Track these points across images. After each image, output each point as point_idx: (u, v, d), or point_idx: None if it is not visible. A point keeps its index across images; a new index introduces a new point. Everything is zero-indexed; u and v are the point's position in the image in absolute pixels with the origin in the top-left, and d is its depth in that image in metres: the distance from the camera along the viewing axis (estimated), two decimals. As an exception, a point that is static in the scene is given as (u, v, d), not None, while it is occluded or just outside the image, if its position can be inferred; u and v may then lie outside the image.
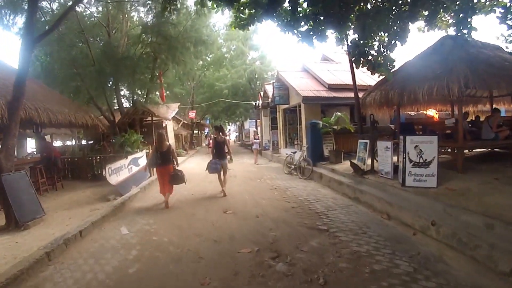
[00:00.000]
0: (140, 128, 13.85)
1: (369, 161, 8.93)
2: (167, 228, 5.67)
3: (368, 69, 8.25)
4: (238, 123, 44.32)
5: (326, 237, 4.99)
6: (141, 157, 9.93)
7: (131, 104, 13.85)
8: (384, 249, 4.35)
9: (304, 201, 7.47)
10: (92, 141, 15.68)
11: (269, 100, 17.56)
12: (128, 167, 8.60)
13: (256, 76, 26.54)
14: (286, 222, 5.88)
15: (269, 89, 18.85)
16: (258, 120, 25.09)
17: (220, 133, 8.71)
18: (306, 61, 16.81)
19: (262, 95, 21.10)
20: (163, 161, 7.21)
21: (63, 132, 13.08)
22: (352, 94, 13.01)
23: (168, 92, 29.83)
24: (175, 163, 7.48)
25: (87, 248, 4.78)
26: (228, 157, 8.72)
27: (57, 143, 20.27)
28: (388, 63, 7.39)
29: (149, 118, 14.72)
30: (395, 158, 7.84)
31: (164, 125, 16.36)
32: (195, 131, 32.64)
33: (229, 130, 67.55)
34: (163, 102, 14.70)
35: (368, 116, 9.79)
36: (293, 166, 11.65)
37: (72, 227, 5.37)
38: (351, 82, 14.26)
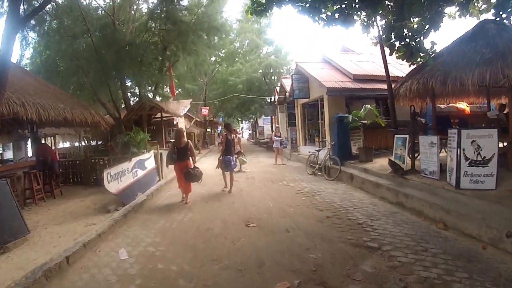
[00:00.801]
0: (148, 126, 12.80)
1: (409, 159, 7.75)
2: (177, 249, 4.52)
3: (402, 56, 7.59)
4: (252, 120, 43.11)
5: (379, 258, 3.91)
6: (148, 159, 8.84)
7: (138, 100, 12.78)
8: (458, 272, 3.45)
9: (339, 208, 6.30)
10: (100, 142, 14.75)
11: (287, 94, 16.30)
12: (133, 171, 7.50)
13: (271, 71, 25.12)
14: (324, 237, 4.73)
15: (287, 83, 17.60)
16: (274, 117, 23.83)
17: (229, 131, 8.94)
18: (326, 52, 15.45)
19: (278, 90, 19.86)
20: (180, 157, 7.23)
21: (66, 132, 12.12)
22: (379, 86, 11.83)
23: (179, 90, 28.90)
24: (192, 160, 7.43)
25: (73, 282, 3.67)
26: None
27: (65, 145, 19.58)
28: (429, 48, 6.94)
29: (158, 115, 13.65)
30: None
31: (175, 122, 15.25)
32: (208, 129, 31.50)
33: (242, 128, 66.58)
34: (174, 96, 13.58)
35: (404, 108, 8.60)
36: (317, 165, 10.39)
37: (59, 251, 4.27)
38: (377, 73, 13.08)
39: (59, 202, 7.58)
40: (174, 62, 11.91)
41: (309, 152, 11.31)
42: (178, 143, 7.29)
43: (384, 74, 12.88)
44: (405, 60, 9.27)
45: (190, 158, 7.39)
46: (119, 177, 6.66)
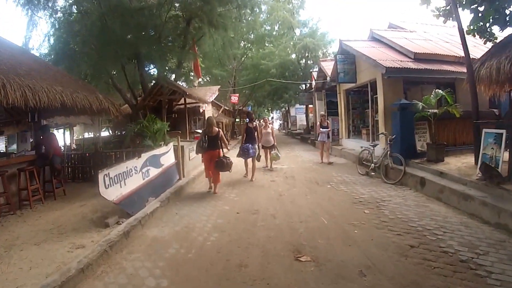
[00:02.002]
0: (169, 114, 11.23)
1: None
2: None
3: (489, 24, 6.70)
4: (283, 109, 40.99)
5: None
6: (166, 154, 7.20)
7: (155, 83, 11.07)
8: None
9: (422, 231, 4.45)
10: (122, 133, 13.45)
11: (328, 79, 14.21)
12: (143, 170, 5.87)
13: (307, 55, 22.73)
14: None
15: (326, 66, 15.51)
16: (311, 106, 21.71)
17: (250, 119, 9.28)
18: (375, 28, 13.16)
19: (315, 76, 17.76)
20: (210, 145, 7.01)
21: (81, 121, 10.81)
22: (444, 67, 9.61)
23: (207, 77, 27.35)
24: (223, 149, 7.31)
25: None
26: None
27: (85, 136, 18.64)
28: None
29: (182, 102, 12.02)
30: None
31: (201, 110, 13.55)
32: (237, 119, 29.81)
33: (272, 118, 64.60)
34: (199, 78, 11.84)
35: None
36: (372, 164, 8.37)
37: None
38: (441, 52, 10.76)
39: (57, 206, 6.15)
40: (198, 38, 10.15)
41: (361, 147, 9.29)
42: (209, 132, 7.05)
43: (449, 53, 10.73)
44: (488, 31, 7.49)
45: (221, 148, 7.24)
46: (122, 179, 5.03)
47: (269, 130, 10.03)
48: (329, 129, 11.00)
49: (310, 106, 22.52)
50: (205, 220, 5.30)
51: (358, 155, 9.31)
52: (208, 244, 4.28)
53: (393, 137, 8.13)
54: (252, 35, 25.05)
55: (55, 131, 20.45)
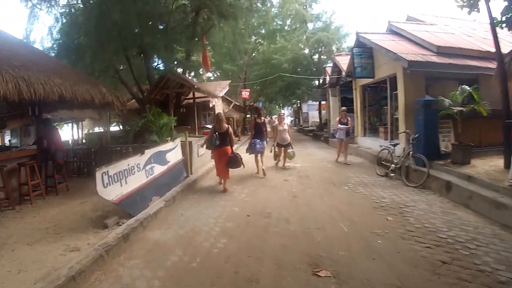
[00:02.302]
0: (177, 108, 10.82)
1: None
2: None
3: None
4: (294, 106, 40.33)
5: None
6: (172, 150, 6.80)
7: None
8: None
9: (452, 244, 3.96)
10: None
11: (343, 74, 13.63)
12: (146, 167, 5.48)
13: (321, 49, 21.96)
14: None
15: (341, 61, 14.91)
16: (324, 102, 21.09)
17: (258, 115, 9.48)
18: (393, 21, 12.50)
19: (329, 71, 17.18)
20: (221, 142, 6.86)
21: (87, 116, 10.52)
22: (469, 62, 8.99)
23: (218, 73, 26.90)
24: (232, 145, 7.12)
25: None
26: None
27: (95, 131, 18.40)
28: None
29: (191, 96, 11.56)
30: None
31: (211, 105, 13.11)
32: (247, 115, 29.36)
33: (284, 114, 63.95)
34: (208, 70, 11.37)
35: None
36: (393, 165, 7.83)
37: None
38: (465, 46, 10.08)
39: (57, 202, 5.86)
40: (207, 30, 9.64)
41: (380, 146, 8.75)
42: (219, 128, 6.91)
43: (473, 48, 10.05)
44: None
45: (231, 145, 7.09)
46: (122, 177, 4.64)
47: (285, 127, 9.46)
48: (348, 126, 10.23)
49: (323, 103, 21.92)
50: (213, 223, 4.89)
51: (377, 154, 8.78)
52: (215, 251, 3.87)
53: (416, 136, 7.57)
54: (263, 29, 24.52)
55: (65, 126, 20.50)
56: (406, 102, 9.16)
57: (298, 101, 34.04)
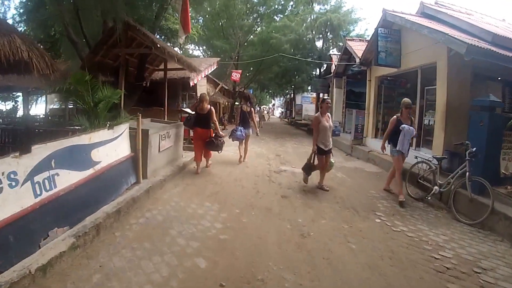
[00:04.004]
0: (137, 80, 8.05)
1: None
2: None
3: None
4: (287, 96, 37.78)
5: None
6: (108, 144, 4.13)
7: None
8: None
9: None
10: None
11: (356, 61, 11.21)
12: (35, 179, 2.83)
13: (328, 33, 18.97)
14: None
15: (354, 46, 12.47)
16: (324, 94, 18.65)
17: (248, 102, 8.64)
18: (427, 2, 10.11)
19: (335, 60, 14.76)
20: (200, 123, 6.56)
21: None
22: None
23: (209, 51, 23.99)
24: (216, 128, 6.84)
25: None
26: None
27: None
28: None
29: (171, 69, 8.78)
30: None
31: (191, 83, 10.33)
32: (236, 103, 26.57)
33: (273, 104, 61.36)
34: (188, 31, 8.51)
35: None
36: (436, 187, 5.52)
37: None
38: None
39: None
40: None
41: (416, 157, 6.42)
42: (200, 108, 6.61)
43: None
44: None
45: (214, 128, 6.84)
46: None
47: (330, 123, 6.16)
48: (415, 133, 6.18)
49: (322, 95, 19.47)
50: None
51: (410, 168, 6.47)
52: None
53: (474, 150, 5.25)
54: (263, 8, 21.86)
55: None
56: (449, 101, 6.91)
57: (292, 92, 31.55)
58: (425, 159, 6.16)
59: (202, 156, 6.74)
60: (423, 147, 8.17)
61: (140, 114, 4.69)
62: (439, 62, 7.25)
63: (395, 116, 6.07)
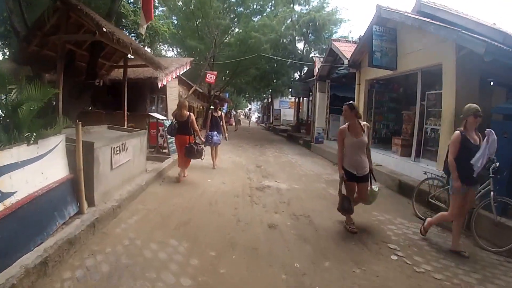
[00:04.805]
0: (88, 78, 6.62)
1: None
2: None
3: None
4: (265, 101, 36.71)
5: None
6: (28, 165, 2.84)
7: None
8: None
9: None
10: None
11: (345, 63, 10.27)
12: None
13: (310, 34, 17.91)
14: None
15: (341, 47, 11.58)
16: (304, 98, 17.64)
17: (219, 107, 8.85)
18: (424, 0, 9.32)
19: (322, 60, 13.85)
20: (181, 130, 6.45)
21: None
22: None
23: (185, 52, 22.54)
24: (196, 135, 6.64)
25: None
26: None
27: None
28: None
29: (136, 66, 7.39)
30: None
31: (160, 84, 8.90)
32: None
33: (250, 109, 60.20)
34: (150, 18, 7.15)
35: None
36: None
37: None
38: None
39: None
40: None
41: (425, 173, 5.47)
42: (180, 116, 6.45)
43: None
44: None
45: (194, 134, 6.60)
46: None
47: (364, 138, 4.32)
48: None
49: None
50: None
51: (418, 185, 5.49)
52: None
53: (497, 165, 4.30)
54: (240, 9, 20.79)
55: None
56: (457, 107, 6.03)
57: (270, 96, 30.54)
58: (437, 176, 5.21)
59: (186, 161, 6.58)
60: (423, 158, 7.30)
61: (80, 122, 3.37)
62: (446, 63, 6.39)
63: (458, 132, 3.93)
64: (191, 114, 6.63)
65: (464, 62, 6.10)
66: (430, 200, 5.18)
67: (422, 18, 6.94)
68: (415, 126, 7.59)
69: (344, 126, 4.37)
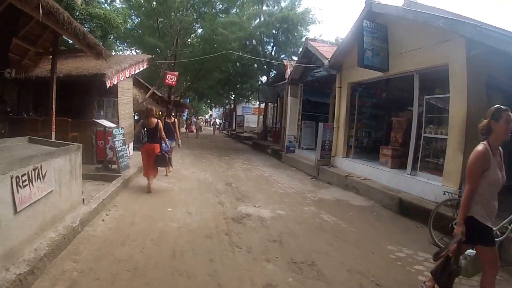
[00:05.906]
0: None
1: None
2: None
3: None
4: (227, 107, 35.20)
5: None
6: None
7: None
8: None
9: None
10: None
11: (325, 63, 9.21)
12: None
13: (281, 36, 16.70)
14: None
15: (320, 47, 10.58)
16: (272, 104, 16.43)
17: (171, 114, 8.91)
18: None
19: (295, 62, 12.81)
20: (150, 139, 6.23)
21: None
22: None
23: (136, 50, 20.58)
24: (164, 143, 6.50)
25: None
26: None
27: None
28: None
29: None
30: None
31: (109, 84, 7.06)
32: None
33: (211, 115, 58.34)
34: None
35: None
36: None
37: None
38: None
39: None
40: None
41: (445, 193, 4.45)
42: (148, 124, 6.21)
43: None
44: None
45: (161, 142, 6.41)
46: None
47: (503, 172, 2.62)
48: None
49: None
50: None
51: (435, 209, 4.43)
52: None
53: None
54: (205, 8, 19.42)
55: None
56: (470, 115, 5.14)
57: (232, 102, 29.14)
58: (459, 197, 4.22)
59: (153, 170, 6.32)
60: (420, 170, 6.36)
61: None
62: (453, 64, 5.50)
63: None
64: (159, 121, 6.42)
65: (475, 63, 5.25)
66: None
67: (428, 12, 6.00)
68: (412, 135, 6.65)
69: (484, 147, 2.48)
